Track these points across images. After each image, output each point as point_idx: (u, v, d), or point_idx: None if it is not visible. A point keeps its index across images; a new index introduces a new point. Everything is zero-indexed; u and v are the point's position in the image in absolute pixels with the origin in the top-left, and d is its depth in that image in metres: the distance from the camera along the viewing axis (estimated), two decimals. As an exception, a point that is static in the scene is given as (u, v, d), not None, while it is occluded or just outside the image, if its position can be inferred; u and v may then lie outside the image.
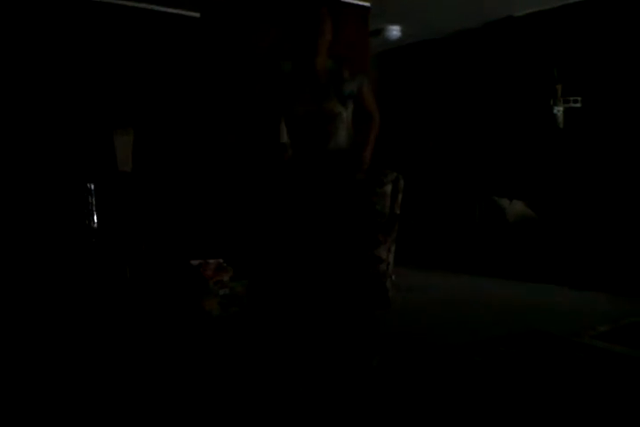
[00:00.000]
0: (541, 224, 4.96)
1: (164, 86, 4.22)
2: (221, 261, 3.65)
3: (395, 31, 5.81)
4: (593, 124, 4.92)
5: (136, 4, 4.06)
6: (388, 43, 6.11)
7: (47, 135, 3.71)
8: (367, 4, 5.06)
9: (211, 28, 4.35)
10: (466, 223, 5.57)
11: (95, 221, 3.43)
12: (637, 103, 4.64)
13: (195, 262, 3.57)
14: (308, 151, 2.47)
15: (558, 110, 5.00)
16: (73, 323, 3.25)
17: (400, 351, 2.96)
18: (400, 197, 4.53)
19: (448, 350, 2.97)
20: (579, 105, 4.94)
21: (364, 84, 2.61)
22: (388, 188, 4.51)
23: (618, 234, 4.62)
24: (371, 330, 2.91)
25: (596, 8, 4.88)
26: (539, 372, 2.65)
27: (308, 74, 2.47)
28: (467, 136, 6.01)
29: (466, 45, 6.03)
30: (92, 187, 3.42)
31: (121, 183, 3.74)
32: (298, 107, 2.43)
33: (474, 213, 5.47)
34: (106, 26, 3.96)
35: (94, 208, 3.42)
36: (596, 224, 4.75)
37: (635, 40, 4.64)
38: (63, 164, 3.72)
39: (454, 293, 4.48)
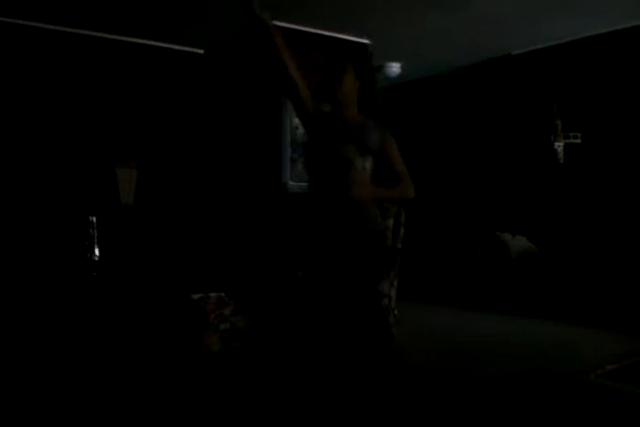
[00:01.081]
0: (544, 259, 4.93)
1: (168, 121, 4.27)
2: (223, 294, 3.61)
3: (394, 68, 5.92)
4: (593, 159, 4.95)
5: (138, 41, 4.14)
6: (388, 79, 6.21)
7: (51, 169, 3.73)
8: (367, 41, 5.17)
9: (214, 65, 4.43)
10: (468, 258, 5.54)
11: (97, 253, 3.40)
12: (637, 139, 4.68)
13: (196, 296, 3.53)
14: (321, 196, 2.35)
15: (559, 146, 5.04)
16: (73, 356, 3.20)
17: (402, 389, 2.90)
18: (402, 231, 4.52)
19: (451, 389, 2.90)
20: (579, 141, 4.98)
21: (387, 139, 2.40)
22: (390, 222, 4.51)
23: (621, 270, 4.59)
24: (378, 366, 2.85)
25: (594, 46, 4.98)
26: (546, 411, 2.59)
27: (337, 120, 2.40)
28: (468, 171, 6.04)
29: (466, 82, 6.13)
30: (94, 220, 3.42)
31: (123, 216, 3.74)
32: (320, 150, 2.35)
33: (476, 248, 5.45)
34: (111, 62, 4.04)
35: (96, 241, 3.41)
36: (600, 260, 4.72)
37: (632, 76, 4.73)
38: (66, 197, 3.74)
39: (458, 328, 4.42)
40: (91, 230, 3.36)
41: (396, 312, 4.17)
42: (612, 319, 4.34)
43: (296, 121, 4.75)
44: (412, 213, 4.81)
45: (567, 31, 4.93)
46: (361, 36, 5.10)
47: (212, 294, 3.53)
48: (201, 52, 4.38)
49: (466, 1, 4.21)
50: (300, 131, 4.78)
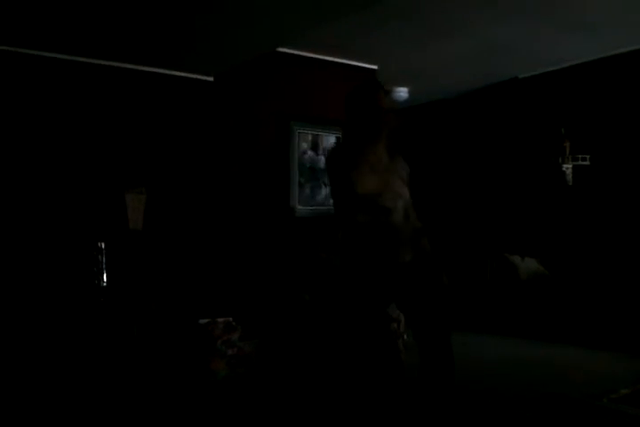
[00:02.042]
0: (555, 282, 4.89)
1: (178, 147, 4.33)
2: (230, 319, 3.61)
3: (402, 93, 5.98)
4: (602, 181, 4.94)
5: (149, 69, 4.23)
6: (399, 103, 6.27)
7: (60, 194, 3.78)
8: (374, 66, 5.25)
9: (224, 92, 4.51)
10: (477, 280, 5.50)
11: (104, 279, 3.43)
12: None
13: (203, 321, 3.54)
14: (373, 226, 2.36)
15: (567, 168, 5.04)
16: (80, 381, 3.20)
17: (412, 417, 2.85)
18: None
19: (463, 414, 2.86)
20: (587, 163, 4.98)
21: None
22: (398, 245, 4.52)
23: (634, 292, 4.53)
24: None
25: (601, 68, 5.02)
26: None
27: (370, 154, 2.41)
28: (477, 193, 6.04)
29: (474, 106, 6.17)
30: (103, 246, 3.45)
31: (132, 242, 3.78)
32: (365, 184, 2.36)
33: (485, 270, 5.41)
34: (121, 89, 4.12)
35: (104, 267, 3.44)
36: (611, 282, 4.67)
37: (636, 99, 4.74)
38: (74, 222, 3.78)
39: (467, 352, 4.36)
40: (99, 256, 3.40)
41: (405, 337, 4.13)
42: (625, 342, 4.27)
43: (304, 145, 4.81)
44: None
45: (573, 54, 4.98)
46: (369, 62, 5.18)
47: (220, 319, 3.54)
48: (211, 79, 4.46)
49: (472, 27, 4.27)
50: (309, 155, 4.84)
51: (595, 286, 4.72)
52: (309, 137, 4.83)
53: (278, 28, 3.63)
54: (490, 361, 4.12)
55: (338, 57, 5.01)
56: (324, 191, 4.87)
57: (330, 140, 4.93)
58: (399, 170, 2.45)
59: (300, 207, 4.75)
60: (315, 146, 4.86)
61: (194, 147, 4.38)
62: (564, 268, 4.97)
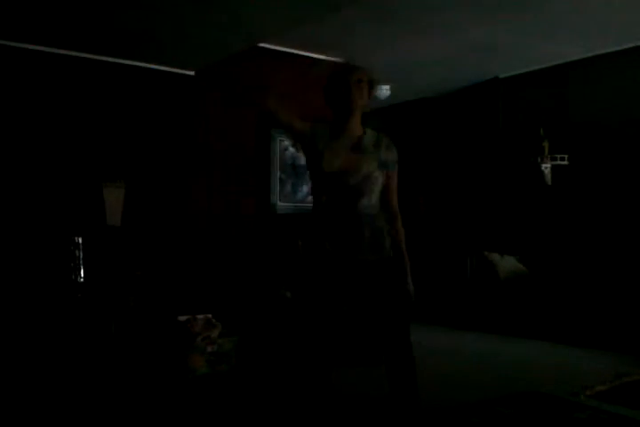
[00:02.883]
0: (533, 279, 4.94)
1: (158, 141, 4.27)
2: (210, 316, 3.57)
3: (384, 90, 5.97)
4: (580, 180, 5.00)
5: (129, 62, 4.17)
6: (379, 101, 6.27)
7: (35, 188, 3.71)
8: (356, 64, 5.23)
9: (205, 86, 4.46)
10: (457, 278, 5.54)
11: (82, 275, 3.37)
12: (621, 160, 4.74)
13: (182, 318, 3.49)
14: (338, 208, 2.27)
15: (546, 167, 5.10)
16: (56, 378, 3.14)
17: (393, 412, 2.85)
18: (391, 252, 4.52)
19: (443, 411, 2.87)
20: (565, 162, 5.04)
21: (395, 169, 2.39)
22: (379, 242, 4.51)
23: (611, 289, 4.60)
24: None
25: (579, 69, 5.07)
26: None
27: (343, 134, 2.36)
28: (457, 192, 6.07)
29: (455, 105, 6.20)
30: (80, 240, 3.39)
31: (109, 237, 3.72)
32: (333, 163, 2.29)
33: (465, 268, 5.44)
34: (100, 82, 4.05)
35: (81, 262, 3.37)
36: (588, 279, 4.73)
37: (615, 98, 4.80)
38: (51, 216, 3.71)
39: (447, 349, 4.39)
40: (76, 251, 3.34)
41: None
42: (602, 339, 4.33)
43: (285, 143, 4.78)
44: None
45: (553, 55, 5.02)
46: (351, 60, 5.16)
47: (200, 316, 3.50)
48: (192, 73, 4.41)
49: (453, 26, 4.28)
50: (290, 152, 4.81)
51: (573, 284, 4.78)
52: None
53: (260, 25, 3.61)
54: (468, 357, 4.14)
55: (321, 54, 4.99)
56: (306, 188, 4.86)
57: (311, 136, 4.91)
58: (380, 154, 2.38)
59: (281, 204, 4.73)
60: (296, 143, 4.83)
61: (174, 140, 4.33)
62: (542, 266, 5.02)
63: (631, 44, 4.65)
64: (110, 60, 4.08)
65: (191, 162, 4.37)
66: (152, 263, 4.03)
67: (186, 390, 3.19)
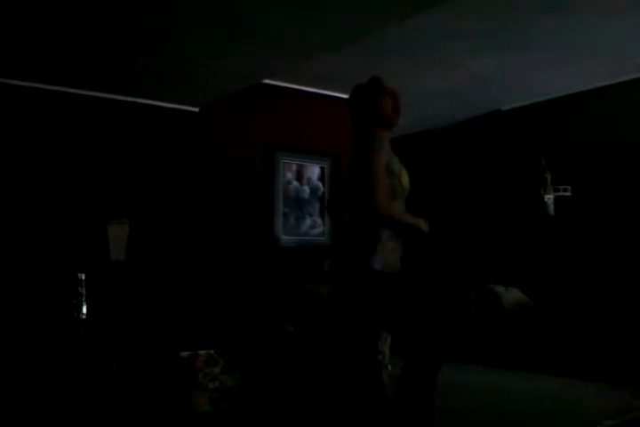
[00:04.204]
0: (539, 311, 4.89)
1: (162, 177, 4.33)
2: (212, 352, 3.55)
3: (387, 123, 6.04)
4: (583, 211, 5.00)
5: (134, 100, 4.25)
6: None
7: (40, 224, 3.75)
8: (360, 98, 5.32)
9: (209, 122, 4.54)
10: (462, 310, 5.49)
11: (84, 311, 3.38)
12: (624, 190, 4.74)
13: (185, 354, 3.47)
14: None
15: (549, 198, 5.10)
16: (58, 417, 3.11)
17: None
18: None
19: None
20: (569, 193, 5.05)
21: None
22: (383, 275, 4.51)
23: (617, 322, 4.54)
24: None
25: (580, 101, 5.13)
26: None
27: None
28: (460, 224, 6.08)
29: (458, 137, 6.26)
30: (83, 277, 3.41)
31: (113, 273, 3.73)
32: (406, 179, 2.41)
33: (470, 300, 5.40)
34: (104, 119, 4.14)
35: (84, 299, 3.39)
36: (595, 311, 4.68)
37: (616, 132, 4.84)
38: (55, 253, 3.74)
39: (452, 383, 4.31)
40: (79, 288, 3.35)
41: (389, 368, 4.09)
42: (610, 372, 4.26)
43: (288, 175, 4.83)
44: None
45: (554, 88, 5.09)
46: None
47: (202, 352, 3.48)
48: (196, 110, 4.50)
49: (456, 60, 4.36)
50: (293, 185, 4.85)
51: (578, 316, 4.73)
52: (294, 167, 4.87)
53: (264, 62, 3.70)
54: (473, 392, 4.07)
55: (323, 89, 5.09)
56: (309, 221, 4.88)
57: (314, 170, 4.97)
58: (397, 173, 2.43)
59: (284, 237, 4.75)
60: (299, 176, 4.89)
61: (178, 177, 4.38)
62: (547, 297, 4.98)
63: (632, 76, 4.71)
64: (115, 97, 4.17)
65: (195, 197, 4.42)
66: (155, 299, 4.03)
67: (187, 428, 3.15)
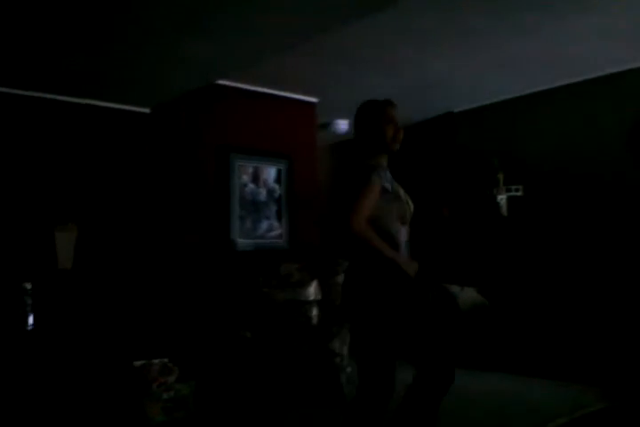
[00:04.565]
0: (494, 310, 4.97)
1: (112, 181, 4.20)
2: (167, 360, 3.47)
3: (342, 125, 6.06)
4: (534, 211, 5.11)
5: (82, 101, 4.11)
6: (340, 135, 6.35)
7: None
8: (315, 99, 5.30)
9: (161, 124, 4.42)
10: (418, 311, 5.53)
11: (30, 322, 3.24)
12: (574, 190, 4.87)
13: (138, 363, 3.38)
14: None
15: (501, 198, 5.20)
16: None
17: None
18: (353, 286, 4.49)
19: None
20: (520, 193, 5.15)
21: None
22: (341, 277, 4.49)
23: (569, 319, 4.66)
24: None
25: (528, 103, 5.24)
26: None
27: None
28: (415, 226, 6.12)
29: (412, 138, 6.29)
30: (29, 286, 3.27)
31: (61, 281, 3.60)
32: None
33: (425, 301, 5.45)
34: (52, 121, 3.99)
35: (30, 309, 3.25)
36: (548, 309, 4.79)
37: (562, 133, 4.97)
38: None
39: (409, 384, 4.34)
40: (25, 298, 3.21)
41: (348, 370, 4.08)
42: (563, 370, 4.37)
43: (244, 178, 4.77)
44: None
45: (504, 90, 5.18)
46: (309, 95, 5.24)
47: (156, 361, 3.39)
48: (147, 111, 4.38)
49: (408, 62, 4.38)
50: (250, 188, 4.78)
51: (533, 315, 4.83)
52: (250, 169, 4.80)
53: (216, 63, 3.63)
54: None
55: (278, 90, 5.04)
56: (266, 224, 4.83)
57: (271, 172, 4.91)
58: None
59: (241, 240, 4.68)
60: (255, 178, 4.83)
61: (129, 181, 4.26)
62: (501, 296, 5.07)
63: (573, 80, 4.85)
64: (62, 98, 4.02)
65: (147, 201, 4.30)
66: (105, 307, 3.90)
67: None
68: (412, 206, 2.53)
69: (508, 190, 5.21)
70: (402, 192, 2.47)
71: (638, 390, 3.88)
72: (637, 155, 4.47)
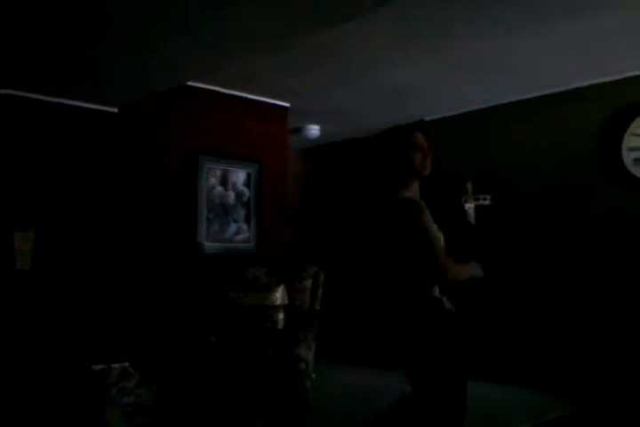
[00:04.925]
0: (459, 317, 4.99)
1: (76, 182, 4.09)
2: (127, 365, 3.38)
3: (314, 130, 6.06)
4: (502, 219, 5.18)
5: (44, 98, 4.01)
6: (311, 140, 6.34)
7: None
8: (286, 104, 5.29)
9: (128, 124, 4.34)
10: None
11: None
12: (539, 201, 4.95)
13: (97, 367, 3.29)
14: None
15: (469, 207, 5.24)
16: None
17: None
18: (320, 291, 4.47)
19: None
20: (488, 202, 5.21)
21: None
22: (308, 282, 4.46)
23: (534, 326, 4.71)
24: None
25: (497, 114, 5.32)
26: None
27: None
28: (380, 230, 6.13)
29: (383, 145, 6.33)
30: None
31: (18, 283, 3.49)
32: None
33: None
34: (13, 119, 3.88)
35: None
36: (512, 316, 4.84)
37: (529, 143, 5.05)
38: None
39: (377, 390, 4.33)
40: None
41: (313, 376, 4.05)
42: (527, 377, 4.41)
43: (213, 181, 4.71)
44: (331, 272, 4.80)
45: (474, 100, 5.24)
46: (281, 100, 5.22)
47: (116, 365, 3.30)
48: (115, 110, 4.30)
49: (380, 69, 4.40)
50: (218, 190, 4.73)
51: (499, 322, 4.87)
52: (218, 172, 4.75)
53: (186, 64, 3.59)
54: (394, 395, 4.09)
55: (250, 93, 5.01)
56: (234, 227, 4.78)
57: (240, 175, 4.87)
58: None
59: (208, 244, 4.62)
60: (224, 181, 4.78)
61: (93, 182, 4.16)
62: (464, 302, 5.09)
63: (546, 92, 4.94)
64: (26, 95, 3.92)
65: (113, 202, 4.21)
66: (64, 310, 3.79)
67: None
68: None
69: (477, 199, 5.26)
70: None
71: (601, 396, 3.93)
72: (606, 167, 4.57)
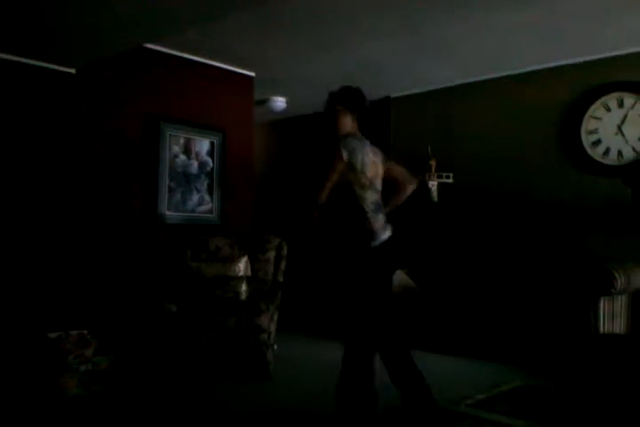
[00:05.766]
0: (421, 293, 5.07)
1: (29, 144, 3.91)
2: (85, 332, 3.29)
3: (279, 102, 5.97)
4: (462, 197, 5.25)
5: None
6: (277, 113, 6.25)
7: None
8: (252, 73, 5.18)
9: (86, 86, 4.16)
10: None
11: None
12: (499, 181, 5.03)
13: (53, 335, 3.19)
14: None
15: (432, 185, 5.29)
16: None
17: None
18: (284, 264, 4.45)
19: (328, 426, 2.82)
20: (450, 180, 5.27)
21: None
22: (271, 254, 4.44)
23: (491, 301, 4.83)
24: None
25: (460, 93, 5.36)
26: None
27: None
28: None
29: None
30: None
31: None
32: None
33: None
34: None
35: None
36: (471, 291, 4.94)
37: (490, 123, 5.12)
38: None
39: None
40: None
41: (275, 347, 4.05)
42: (486, 350, 4.52)
43: (175, 149, 4.59)
44: (295, 244, 4.78)
45: (438, 78, 5.26)
46: (247, 69, 5.10)
47: (73, 333, 3.21)
48: (73, 71, 4.10)
49: (346, 43, 4.35)
50: (180, 159, 4.61)
51: (456, 296, 4.97)
52: (181, 140, 4.62)
53: (145, 26, 3.42)
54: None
55: (215, 60, 4.88)
56: (197, 197, 4.68)
57: (203, 144, 4.76)
58: None
59: (169, 213, 4.51)
60: (187, 150, 4.66)
61: (48, 144, 3.98)
62: (428, 279, 5.18)
63: (508, 72, 5.00)
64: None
65: (68, 169, 4.04)
66: (20, 276, 3.65)
67: (55, 414, 2.89)
68: (372, 172, 2.93)
69: (440, 177, 5.31)
70: (359, 161, 2.83)
71: (554, 368, 4.07)
72: (566, 149, 4.67)
